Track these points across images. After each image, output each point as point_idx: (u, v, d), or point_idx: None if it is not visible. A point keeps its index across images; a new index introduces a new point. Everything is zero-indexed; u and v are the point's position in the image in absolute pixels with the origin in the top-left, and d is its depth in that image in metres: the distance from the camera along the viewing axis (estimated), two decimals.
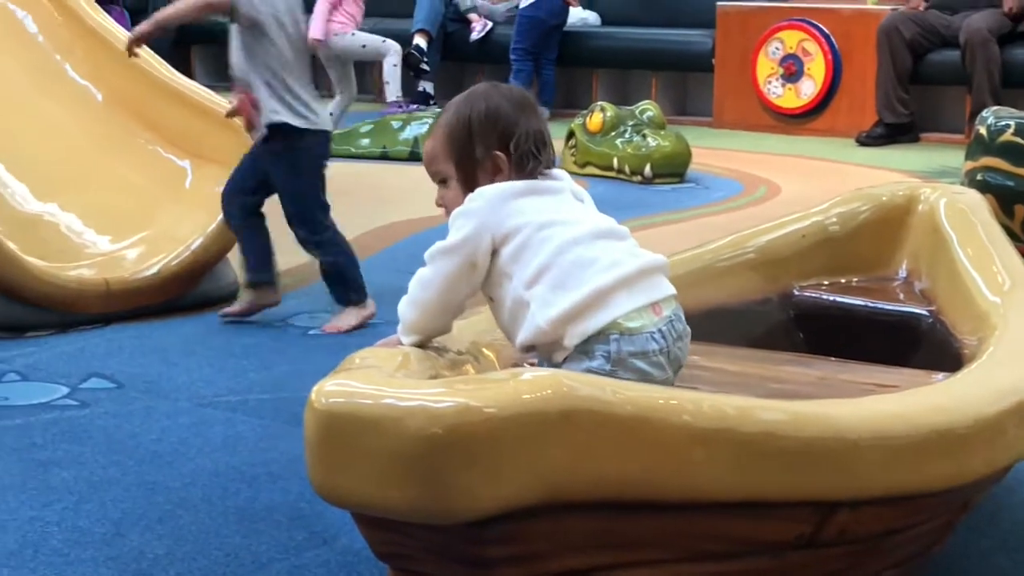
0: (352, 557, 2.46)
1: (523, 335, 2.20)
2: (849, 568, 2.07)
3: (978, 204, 3.05)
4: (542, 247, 2.17)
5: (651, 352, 2.17)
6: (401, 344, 2.24)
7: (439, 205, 2.34)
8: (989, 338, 2.43)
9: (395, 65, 9.18)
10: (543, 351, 2.22)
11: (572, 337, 2.15)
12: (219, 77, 11.30)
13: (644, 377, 2.14)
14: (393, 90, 9.21)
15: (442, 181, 2.32)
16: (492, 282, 2.23)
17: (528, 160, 2.26)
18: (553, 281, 2.15)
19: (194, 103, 4.63)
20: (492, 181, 2.25)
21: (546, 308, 2.15)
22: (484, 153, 2.26)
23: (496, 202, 2.20)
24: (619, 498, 1.79)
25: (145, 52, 4.85)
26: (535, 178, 2.26)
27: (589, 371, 2.10)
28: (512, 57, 9.72)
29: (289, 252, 5.15)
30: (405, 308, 2.25)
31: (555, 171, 2.31)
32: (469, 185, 2.26)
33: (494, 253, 2.20)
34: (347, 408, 1.75)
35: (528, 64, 9.69)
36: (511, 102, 2.29)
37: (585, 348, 2.15)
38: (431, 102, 9.94)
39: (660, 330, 2.18)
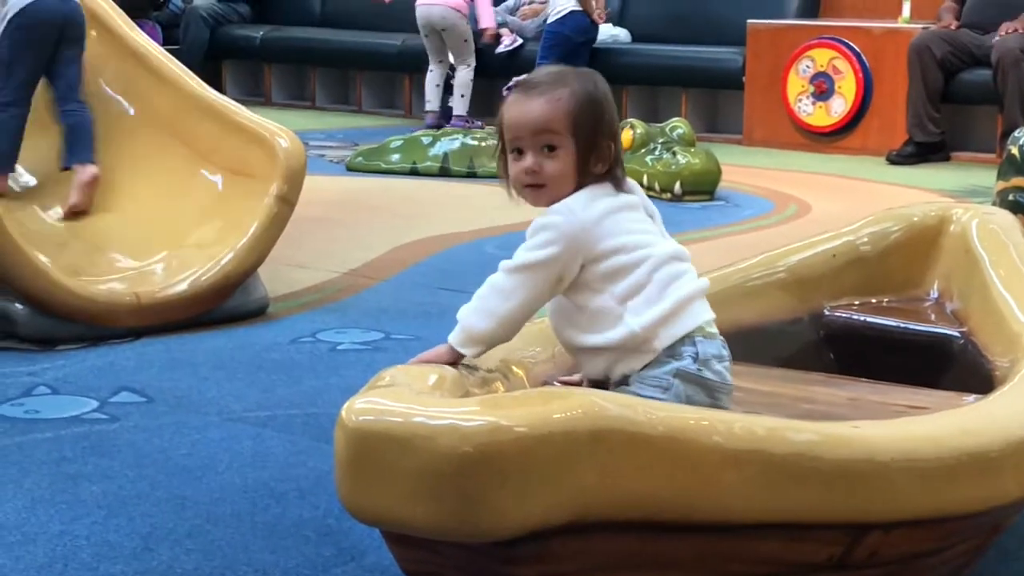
0: (380, 574, 2.46)
1: (607, 336, 2.22)
2: None
3: (1010, 225, 3.04)
4: (637, 268, 2.21)
5: (725, 357, 2.27)
6: (455, 352, 2.24)
7: (530, 172, 2.22)
8: (1021, 360, 2.42)
9: (472, 78, 9.27)
10: (619, 355, 2.23)
11: (663, 339, 2.21)
12: (250, 92, 11.37)
13: (722, 381, 2.24)
14: (463, 104, 9.24)
15: (548, 147, 2.22)
16: (571, 289, 2.24)
17: (620, 161, 2.28)
18: (648, 295, 2.21)
19: (225, 118, 4.64)
20: (597, 170, 2.23)
21: (640, 316, 2.20)
22: (604, 139, 2.24)
23: (589, 224, 2.19)
24: (649, 519, 1.79)
25: (176, 66, 4.88)
26: (622, 187, 2.27)
27: (678, 371, 2.20)
28: None
29: (316, 267, 5.18)
30: (475, 318, 2.24)
31: (629, 180, 2.32)
32: (581, 166, 2.22)
33: (581, 267, 2.21)
34: (378, 426, 1.76)
35: None
36: (609, 93, 2.30)
37: (672, 351, 2.21)
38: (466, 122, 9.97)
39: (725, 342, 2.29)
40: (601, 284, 2.21)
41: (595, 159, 2.24)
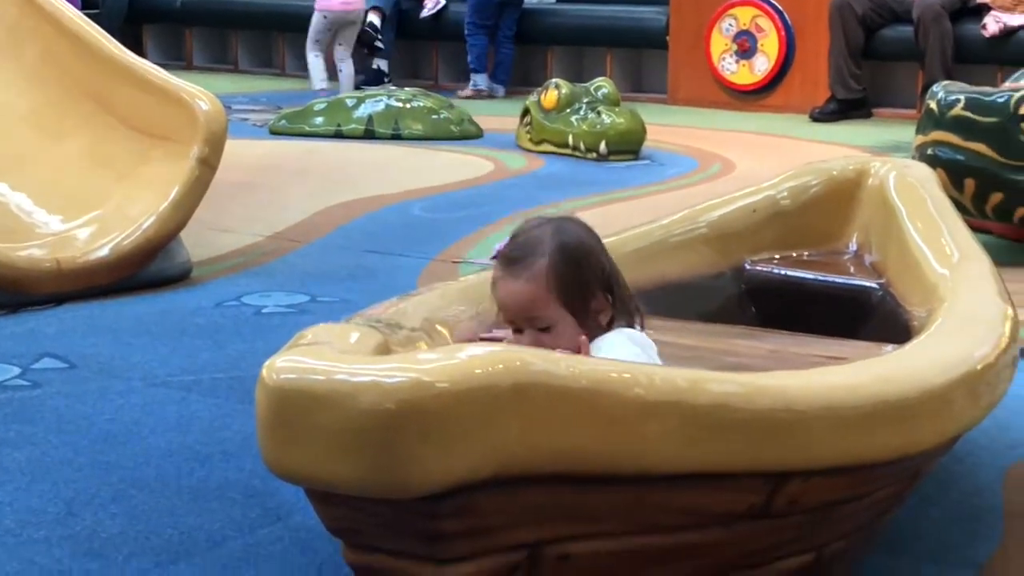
0: (306, 533, 2.46)
1: None
2: (801, 538, 2.09)
3: (927, 177, 3.08)
4: None
5: None
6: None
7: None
8: (938, 310, 2.45)
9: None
10: None
11: None
12: (171, 56, 11.24)
13: None
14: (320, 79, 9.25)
15: (543, 328, 2.18)
16: None
17: (632, 305, 2.24)
18: None
19: (145, 81, 4.59)
20: (601, 320, 2.22)
21: None
22: (594, 294, 2.21)
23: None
24: (572, 471, 1.79)
25: (96, 31, 4.82)
26: (643, 327, 2.24)
27: None
28: (466, 32, 9.71)
29: (240, 231, 5.14)
30: None
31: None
32: (584, 323, 2.19)
33: None
34: (299, 384, 1.75)
35: (481, 38, 9.68)
36: (591, 236, 2.25)
37: None
38: (385, 80, 9.92)
39: None
40: None
41: (595, 312, 2.22)
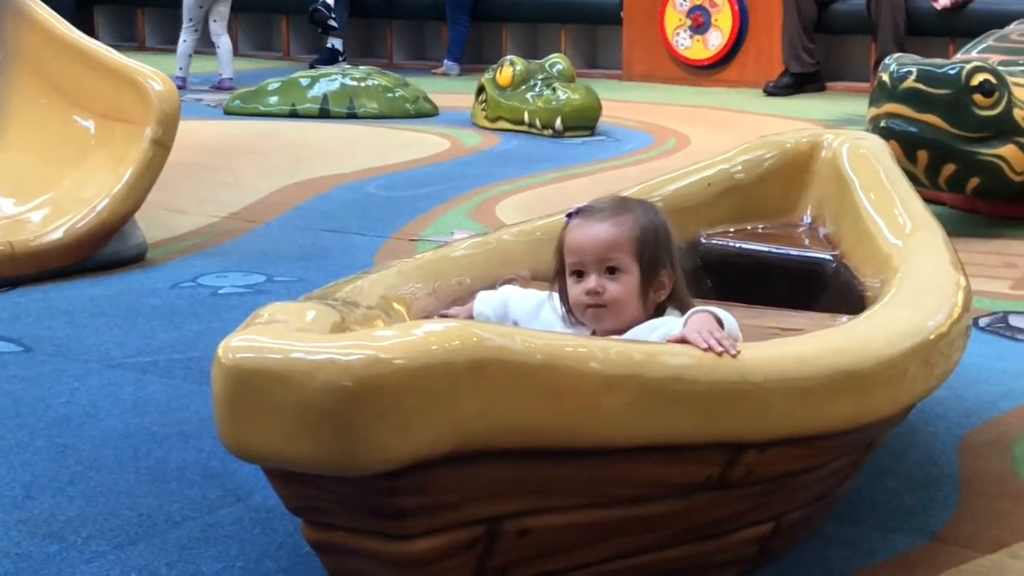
0: (266, 513, 2.46)
1: None
2: (758, 508, 2.10)
3: (880, 149, 3.09)
4: None
5: None
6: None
7: (592, 293, 2.20)
8: (891, 280, 2.47)
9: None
10: None
11: None
12: (123, 37, 11.15)
13: None
14: (229, 68, 9.21)
15: (610, 270, 2.21)
16: None
17: (687, 298, 2.26)
18: None
19: (96, 62, 4.56)
20: (658, 298, 2.23)
21: None
22: (665, 268, 2.23)
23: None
24: (530, 446, 1.80)
25: (47, 12, 4.77)
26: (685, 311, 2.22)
27: None
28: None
29: (195, 212, 5.12)
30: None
31: None
32: (644, 290, 2.21)
33: None
34: (255, 363, 1.74)
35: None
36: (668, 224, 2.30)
37: None
38: (340, 59, 9.88)
39: None
40: None
41: (656, 286, 2.23)
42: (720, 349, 1.91)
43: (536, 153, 6.54)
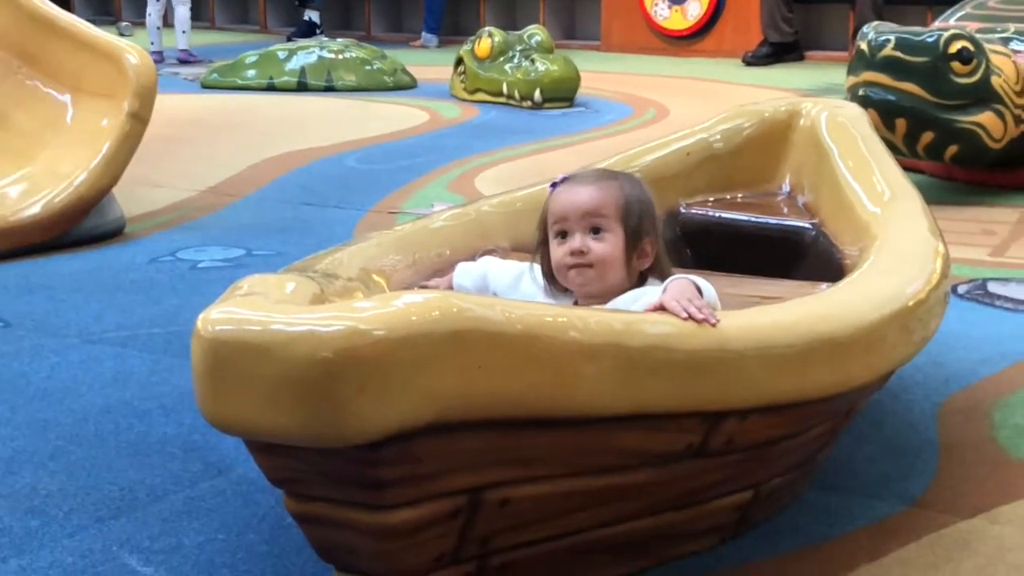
0: (248, 486, 2.46)
1: None
2: (738, 476, 2.11)
3: (858, 117, 3.10)
4: None
5: None
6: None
7: (576, 252, 2.22)
8: (870, 248, 2.47)
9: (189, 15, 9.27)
10: None
11: None
12: (99, 11, 11.09)
13: None
14: (185, 39, 9.17)
15: (595, 230, 2.22)
16: None
17: (668, 268, 2.26)
18: None
19: (72, 36, 4.54)
20: (641, 265, 2.25)
21: None
22: (648, 236, 2.25)
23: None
24: (511, 416, 1.80)
25: None
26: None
27: None
28: None
29: (173, 187, 5.11)
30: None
31: None
32: (628, 254, 2.23)
33: None
34: (234, 335, 1.74)
35: None
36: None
37: None
38: (318, 31, 9.85)
39: None
40: None
41: (640, 253, 2.25)
42: (701, 317, 1.92)
43: (515, 125, 6.53)
